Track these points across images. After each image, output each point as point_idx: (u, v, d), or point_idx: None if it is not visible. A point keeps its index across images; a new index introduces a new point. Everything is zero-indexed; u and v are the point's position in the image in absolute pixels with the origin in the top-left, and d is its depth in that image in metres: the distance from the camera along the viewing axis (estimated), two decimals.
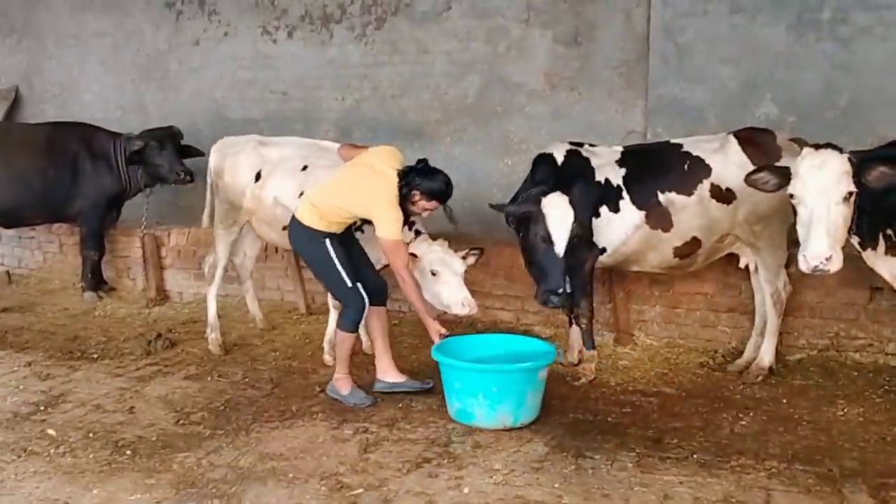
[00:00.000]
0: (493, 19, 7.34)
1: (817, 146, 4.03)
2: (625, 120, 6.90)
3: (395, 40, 7.75)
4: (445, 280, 5.12)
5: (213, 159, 6.17)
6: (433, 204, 4.87)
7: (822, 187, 3.88)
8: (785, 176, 4.09)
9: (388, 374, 5.18)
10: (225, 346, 6.13)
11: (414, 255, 5.16)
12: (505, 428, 4.52)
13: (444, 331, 4.90)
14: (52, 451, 4.31)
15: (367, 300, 4.93)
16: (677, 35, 6.49)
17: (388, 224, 4.72)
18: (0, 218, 7.61)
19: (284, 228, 5.80)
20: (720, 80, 6.44)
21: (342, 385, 5.04)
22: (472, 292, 6.47)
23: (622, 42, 6.84)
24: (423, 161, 4.93)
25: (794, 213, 4.05)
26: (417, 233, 5.41)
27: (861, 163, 3.94)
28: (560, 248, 4.77)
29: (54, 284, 8.18)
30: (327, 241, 4.90)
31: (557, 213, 4.79)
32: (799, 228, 4.00)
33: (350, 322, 4.99)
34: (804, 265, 3.91)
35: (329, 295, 5.70)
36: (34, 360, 5.87)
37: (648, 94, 6.68)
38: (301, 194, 5.61)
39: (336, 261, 4.90)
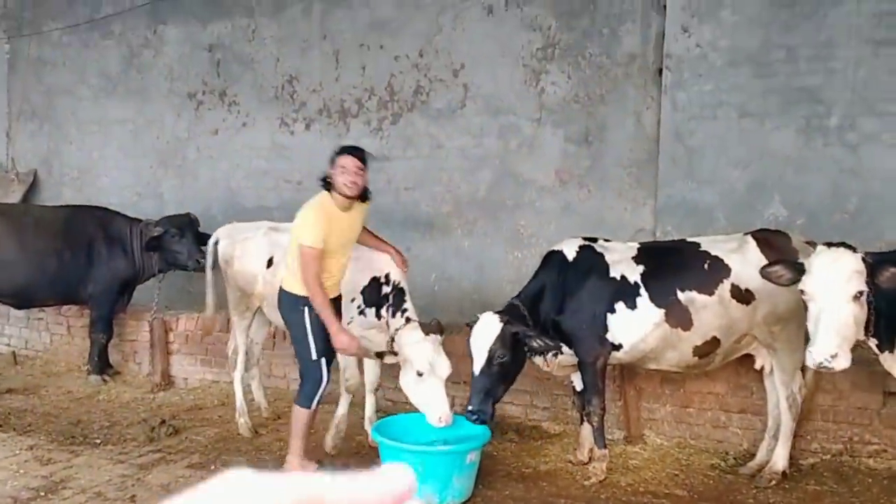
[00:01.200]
0: (506, 117, 7.52)
1: (830, 244, 4.08)
2: (634, 218, 6.99)
3: (409, 135, 7.93)
4: (429, 385, 5.00)
5: (222, 246, 6.25)
6: (347, 160, 4.84)
7: (832, 284, 3.90)
8: (799, 271, 4.12)
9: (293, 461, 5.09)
10: (254, 429, 6.15)
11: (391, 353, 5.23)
12: None
13: (352, 346, 4.90)
14: None
15: (326, 378, 4.96)
16: (687, 137, 6.63)
17: (302, 228, 4.79)
18: (13, 298, 7.64)
19: None
20: (729, 182, 6.54)
21: (292, 467, 4.91)
22: None
23: (632, 143, 6.99)
24: None
25: (806, 309, 4.06)
26: (408, 319, 5.39)
27: (875, 263, 3.96)
28: (476, 367, 4.87)
29: (60, 367, 8.15)
30: (305, 310, 4.87)
31: (478, 332, 4.88)
32: (808, 325, 4.01)
33: (306, 397, 4.97)
34: (810, 360, 3.92)
35: (342, 377, 5.70)
36: (36, 444, 5.80)
37: (658, 194, 6.78)
38: None
39: (309, 330, 4.89)
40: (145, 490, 4.97)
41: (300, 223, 4.83)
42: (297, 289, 4.87)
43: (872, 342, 4.26)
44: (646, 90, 6.94)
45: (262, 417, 6.53)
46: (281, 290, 5.07)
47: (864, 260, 3.96)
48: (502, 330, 4.76)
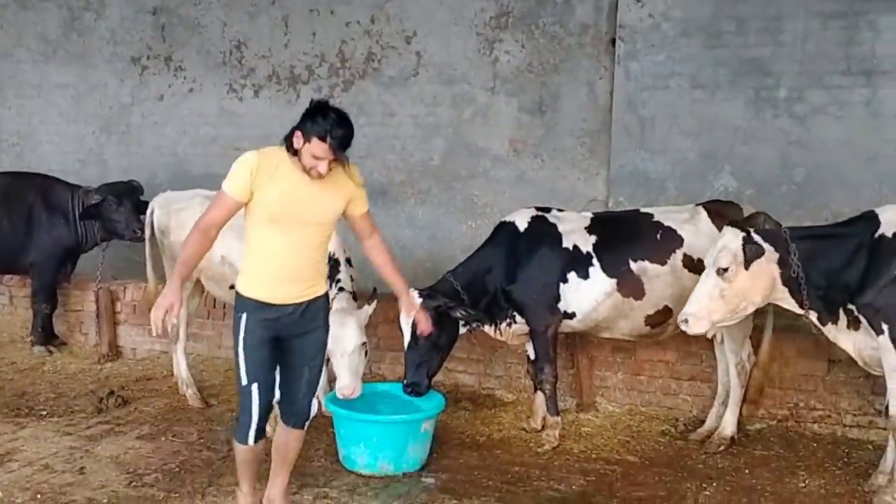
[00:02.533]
0: (460, 86, 7.47)
1: (733, 223, 4.36)
2: (587, 188, 7.03)
3: (361, 103, 7.82)
4: (335, 358, 4.81)
5: (157, 216, 6.10)
6: (322, 149, 3.58)
7: (708, 257, 4.32)
8: None
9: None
10: (205, 399, 6.06)
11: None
12: (387, 475, 4.71)
13: (154, 315, 3.55)
14: None
15: (258, 409, 3.76)
16: (639, 107, 6.67)
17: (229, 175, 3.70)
18: None
19: (231, 287, 5.71)
20: (680, 152, 6.61)
21: None
22: None
23: (586, 112, 7.01)
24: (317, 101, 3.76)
25: None
26: (341, 289, 5.28)
27: (795, 238, 4.26)
28: (405, 342, 5.03)
29: (3, 338, 7.90)
30: (243, 317, 3.74)
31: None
32: None
33: (239, 429, 3.83)
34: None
35: None
36: None
37: (610, 164, 6.82)
38: None
39: (241, 345, 3.74)
40: (94, 462, 4.87)
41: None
42: (241, 286, 3.80)
43: (812, 315, 4.37)
44: (599, 60, 6.95)
45: (217, 387, 6.42)
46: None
47: (746, 238, 4.20)
48: (422, 305, 4.72)
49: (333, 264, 5.38)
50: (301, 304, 3.79)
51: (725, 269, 4.19)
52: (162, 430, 5.48)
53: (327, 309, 4.03)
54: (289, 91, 8.12)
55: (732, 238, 4.22)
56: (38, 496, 4.34)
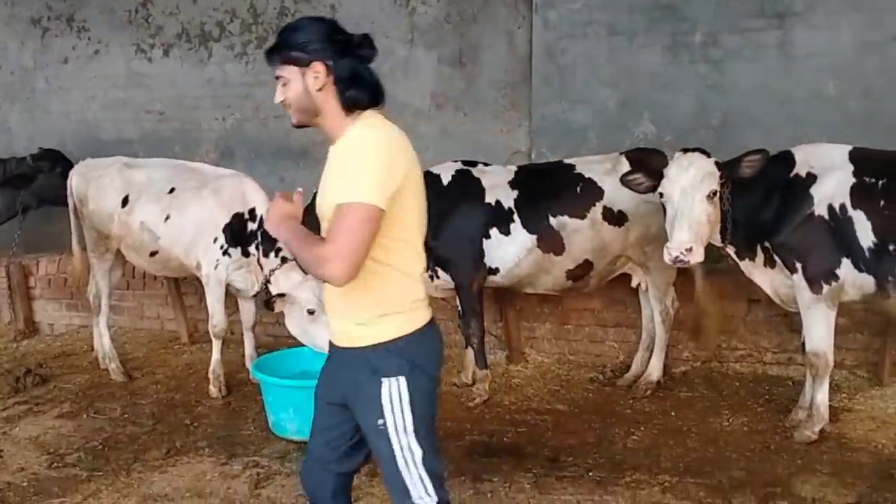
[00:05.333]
0: (378, 39, 7.11)
1: (686, 150, 4.27)
2: (510, 140, 6.99)
3: None
4: (322, 322, 4.80)
5: (76, 184, 5.86)
6: None
7: (687, 185, 4.12)
8: (657, 177, 4.28)
9: None
10: (128, 373, 5.91)
11: (280, 296, 4.97)
12: None
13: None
14: None
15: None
16: (558, 57, 6.63)
17: None
18: None
19: (152, 255, 5.56)
20: (600, 101, 6.60)
21: None
22: None
23: (506, 63, 6.93)
24: None
25: (665, 213, 4.25)
26: (284, 259, 5.17)
27: (730, 163, 4.22)
28: None
29: None
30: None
31: None
32: (667, 226, 4.23)
33: None
34: (667, 255, 4.11)
35: (210, 323, 5.48)
36: None
37: (532, 115, 6.77)
38: (167, 218, 5.41)
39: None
40: (12, 444, 4.71)
41: None
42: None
43: (731, 249, 4.44)
44: (517, 9, 6.86)
45: (140, 359, 6.26)
46: None
47: (716, 162, 4.18)
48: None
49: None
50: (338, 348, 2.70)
51: (715, 193, 4.12)
52: (83, 407, 5.32)
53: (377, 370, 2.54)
54: (200, 49, 7.83)
55: (708, 162, 4.16)
56: None
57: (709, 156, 4.21)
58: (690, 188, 4.11)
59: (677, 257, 4.05)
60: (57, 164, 6.97)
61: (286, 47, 2.58)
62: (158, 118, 7.96)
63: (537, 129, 6.75)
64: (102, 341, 5.98)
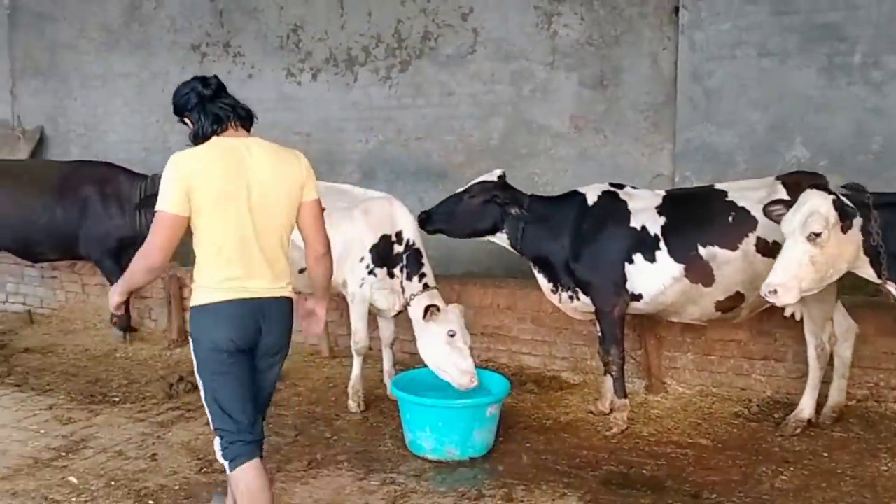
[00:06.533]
0: (518, 62, 7.34)
1: (814, 186, 4.13)
2: (651, 163, 6.86)
3: (419, 83, 7.77)
4: (458, 348, 4.97)
5: None
6: None
7: (795, 225, 4.03)
8: None
9: None
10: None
11: (436, 307, 5.07)
12: (453, 460, 4.69)
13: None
14: (73, 499, 4.24)
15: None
16: (705, 79, 6.45)
17: None
18: (14, 249, 7.56)
19: (301, 272, 5.75)
20: (749, 124, 6.38)
21: None
22: (499, 337, 6.49)
23: (649, 85, 6.82)
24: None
25: None
26: (426, 286, 5.32)
27: (881, 205, 4.04)
28: None
29: (76, 325, 8.12)
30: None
31: None
32: None
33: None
34: (761, 291, 4.09)
35: (352, 340, 5.63)
36: (55, 403, 5.80)
37: (676, 138, 6.62)
38: None
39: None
40: (166, 448, 4.95)
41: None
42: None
43: (891, 286, 4.17)
44: (662, 31, 6.75)
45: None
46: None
47: (835, 202, 3.97)
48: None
49: (413, 254, 5.49)
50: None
51: (818, 234, 3.95)
52: None
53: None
54: (346, 74, 8.10)
55: (822, 201, 3.98)
56: (112, 483, 4.42)
57: (834, 193, 4.03)
58: (797, 228, 4.01)
59: (765, 295, 4.05)
60: None
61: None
62: (306, 139, 8.27)
63: (681, 152, 6.58)
64: None
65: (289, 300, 3.44)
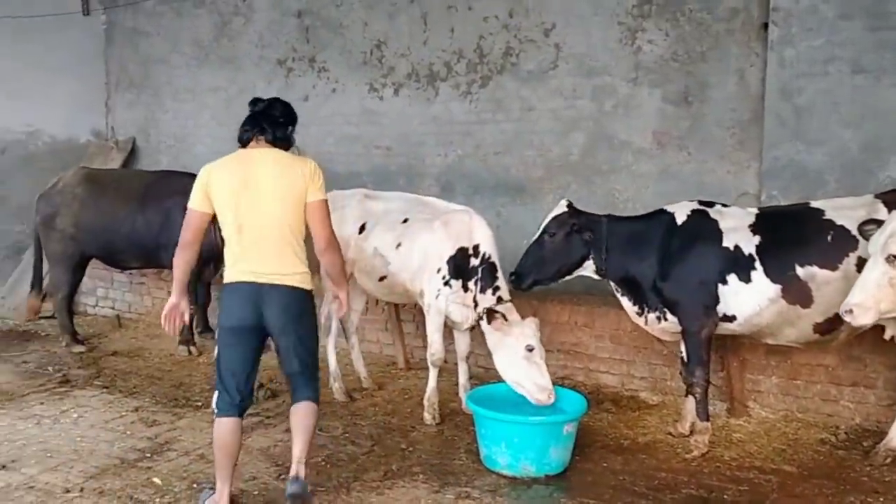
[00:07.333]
0: (601, 77, 7.28)
1: None
2: (737, 181, 6.70)
3: (500, 98, 7.78)
4: (535, 363, 4.98)
5: None
6: None
7: (878, 245, 4.08)
8: None
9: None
10: (349, 393, 6.19)
11: (501, 315, 5.08)
12: (528, 477, 4.65)
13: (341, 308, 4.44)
14: (157, 500, 4.35)
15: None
16: (795, 96, 6.28)
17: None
18: (101, 256, 7.79)
19: (381, 279, 5.84)
20: (840, 143, 6.17)
21: None
22: (576, 354, 6.43)
23: (735, 102, 6.68)
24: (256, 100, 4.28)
25: None
26: (500, 299, 5.35)
27: None
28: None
29: (161, 330, 8.22)
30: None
31: None
32: None
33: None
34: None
35: (428, 352, 5.66)
36: (141, 406, 5.98)
37: (763, 156, 6.45)
38: (398, 245, 5.71)
39: None
40: (245, 453, 5.02)
41: (321, 175, 4.21)
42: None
43: None
44: (749, 46, 6.60)
45: (363, 387, 6.48)
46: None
47: None
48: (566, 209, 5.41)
49: (488, 267, 5.53)
50: None
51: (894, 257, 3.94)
52: None
53: None
54: (427, 89, 8.17)
55: None
56: (195, 486, 4.53)
57: None
58: (879, 249, 4.05)
59: (842, 314, 4.08)
60: None
61: None
62: (386, 153, 8.38)
63: (768, 170, 6.42)
64: (329, 361, 6.31)
65: (292, 288, 4.05)
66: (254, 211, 3.99)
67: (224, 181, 4.02)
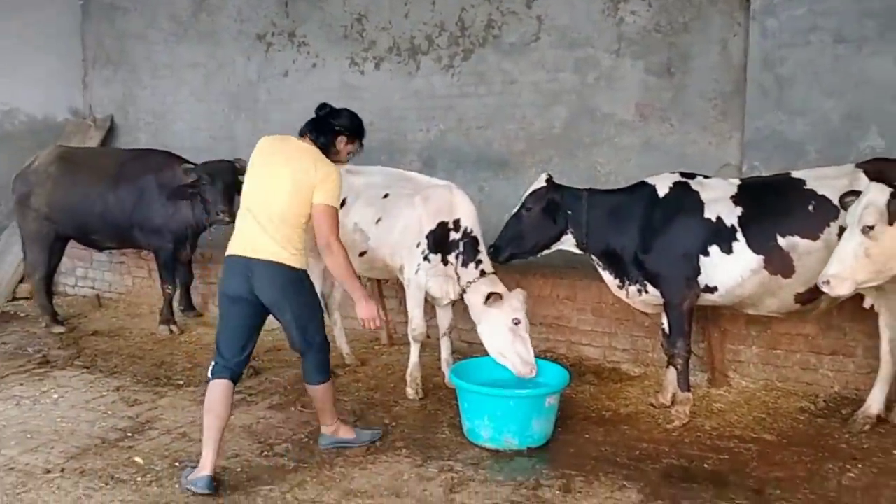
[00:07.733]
0: (583, 49, 7.23)
1: (879, 179, 4.17)
2: (719, 152, 6.69)
3: (482, 71, 7.72)
4: (519, 337, 4.98)
5: None
6: (356, 145, 4.64)
7: (851, 215, 4.14)
8: None
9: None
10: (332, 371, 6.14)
11: (499, 295, 5.06)
12: (511, 450, 4.67)
13: (376, 321, 4.47)
14: (138, 479, 4.33)
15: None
16: (777, 66, 6.25)
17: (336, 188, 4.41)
18: (73, 234, 7.68)
19: (361, 255, 5.79)
20: (822, 113, 6.16)
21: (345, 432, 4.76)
22: (559, 327, 6.43)
23: (718, 73, 6.65)
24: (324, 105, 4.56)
25: None
26: (483, 272, 5.33)
27: None
28: None
29: (142, 309, 8.32)
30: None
31: None
32: None
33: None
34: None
35: (409, 327, 5.64)
36: (122, 385, 5.95)
37: (745, 127, 6.44)
38: (378, 220, 5.65)
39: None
40: (228, 431, 4.93)
41: (335, 182, 4.30)
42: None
43: None
44: (732, 17, 6.57)
45: (346, 363, 6.45)
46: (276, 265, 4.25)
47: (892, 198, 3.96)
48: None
49: (470, 241, 5.48)
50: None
51: (871, 227, 3.98)
52: (291, 400, 5.60)
53: None
54: (409, 63, 8.10)
55: (879, 194, 4.00)
56: (177, 464, 4.51)
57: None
58: (856, 220, 4.08)
59: (820, 284, 4.13)
60: (216, 177, 6.91)
61: None
62: (367, 128, 8.24)
63: (750, 141, 6.40)
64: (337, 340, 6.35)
65: (277, 263, 4.20)
66: (262, 190, 4.24)
67: (256, 155, 4.36)
